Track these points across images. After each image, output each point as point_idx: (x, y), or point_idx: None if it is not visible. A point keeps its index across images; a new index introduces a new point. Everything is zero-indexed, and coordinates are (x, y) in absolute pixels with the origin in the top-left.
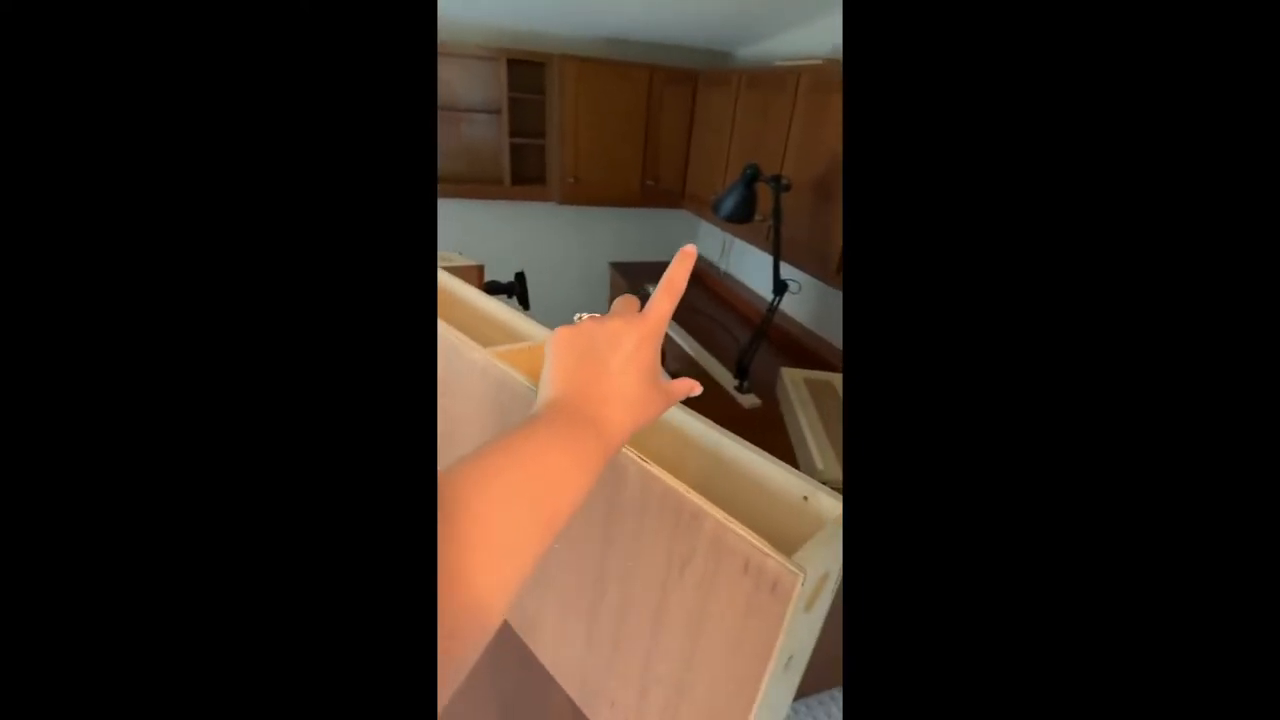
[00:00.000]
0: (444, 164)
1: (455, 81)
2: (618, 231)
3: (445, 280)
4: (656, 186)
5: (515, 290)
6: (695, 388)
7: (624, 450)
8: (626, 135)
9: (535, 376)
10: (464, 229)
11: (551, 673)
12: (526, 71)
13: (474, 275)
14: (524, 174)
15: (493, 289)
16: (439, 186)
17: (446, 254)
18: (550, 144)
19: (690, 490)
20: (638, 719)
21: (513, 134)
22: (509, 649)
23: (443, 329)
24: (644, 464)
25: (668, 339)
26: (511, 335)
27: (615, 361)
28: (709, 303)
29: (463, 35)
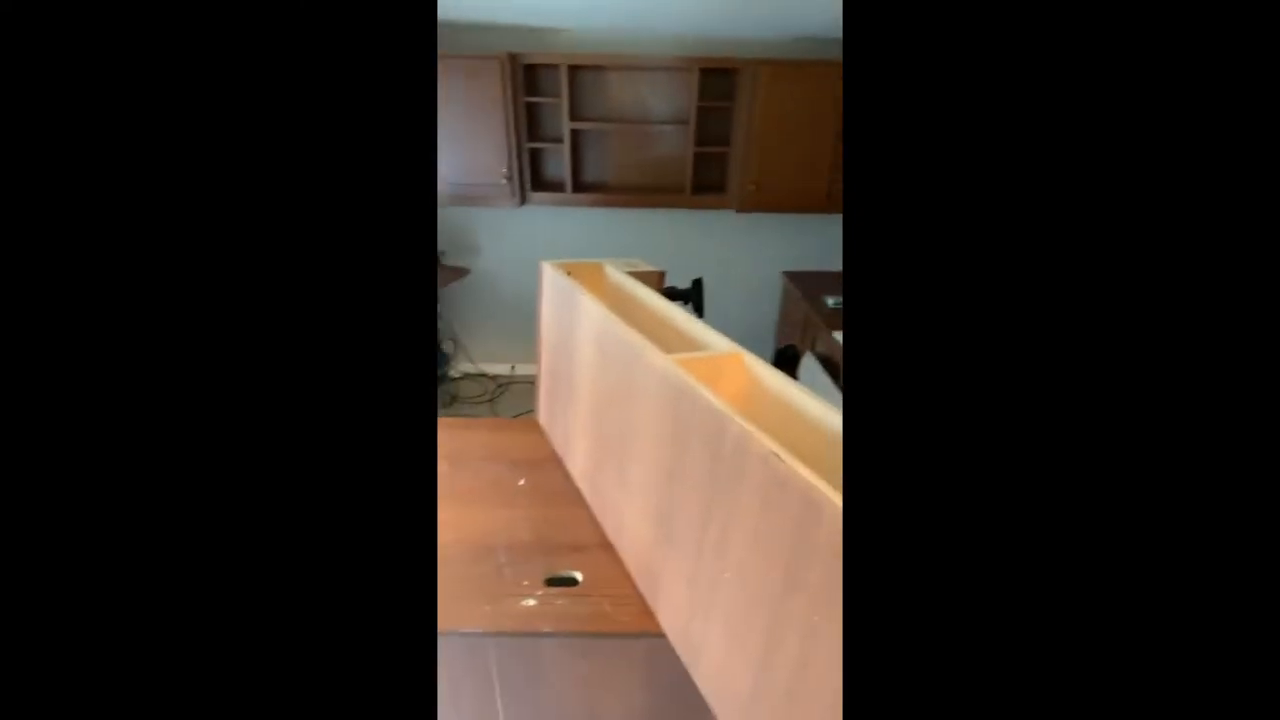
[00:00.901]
0: (632, 175)
1: (648, 95)
2: (794, 240)
3: (629, 284)
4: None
5: (691, 297)
6: None
7: (816, 481)
8: (814, 138)
9: (713, 386)
10: (648, 236)
11: (710, 705)
12: (717, 79)
13: (655, 280)
14: (705, 182)
15: (670, 295)
16: (625, 198)
17: (631, 260)
18: (734, 151)
19: None
20: None
21: (698, 143)
22: (664, 666)
23: (627, 332)
24: None
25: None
26: (688, 341)
27: None
28: None
29: (657, 49)
